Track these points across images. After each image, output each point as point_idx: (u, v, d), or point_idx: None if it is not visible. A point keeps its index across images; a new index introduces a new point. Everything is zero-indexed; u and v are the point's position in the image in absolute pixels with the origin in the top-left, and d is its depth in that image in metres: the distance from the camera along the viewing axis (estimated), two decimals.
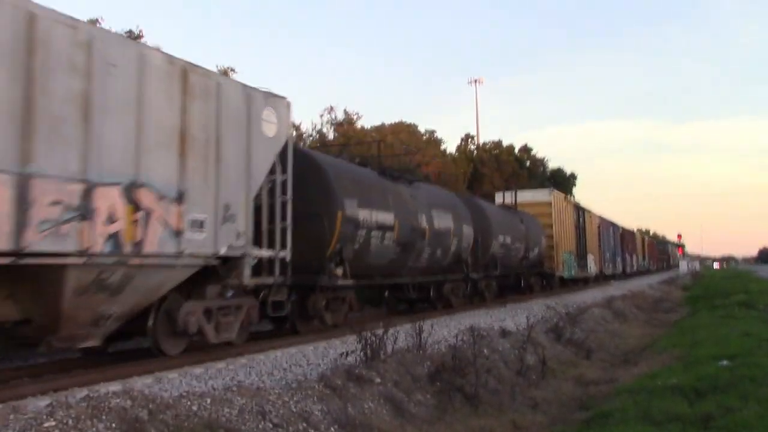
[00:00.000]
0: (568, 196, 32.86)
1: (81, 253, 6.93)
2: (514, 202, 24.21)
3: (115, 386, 6.12)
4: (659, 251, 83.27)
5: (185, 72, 8.40)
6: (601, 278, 36.29)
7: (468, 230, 17.43)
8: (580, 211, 31.32)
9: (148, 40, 22.77)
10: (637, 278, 45.53)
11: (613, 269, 40.23)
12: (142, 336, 8.77)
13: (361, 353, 7.62)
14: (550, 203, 25.98)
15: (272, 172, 10.04)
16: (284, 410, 5.86)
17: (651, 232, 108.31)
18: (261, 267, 9.83)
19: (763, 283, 33.78)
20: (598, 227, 35.56)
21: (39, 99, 6.58)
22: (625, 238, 46.65)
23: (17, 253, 6.37)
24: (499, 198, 26.21)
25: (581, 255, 30.05)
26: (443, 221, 15.80)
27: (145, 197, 7.65)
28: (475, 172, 42.67)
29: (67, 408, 4.73)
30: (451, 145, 49.72)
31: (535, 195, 26.90)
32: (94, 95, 7.12)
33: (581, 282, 31.29)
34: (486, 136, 75.74)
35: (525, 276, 23.21)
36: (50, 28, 6.74)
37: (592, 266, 32.52)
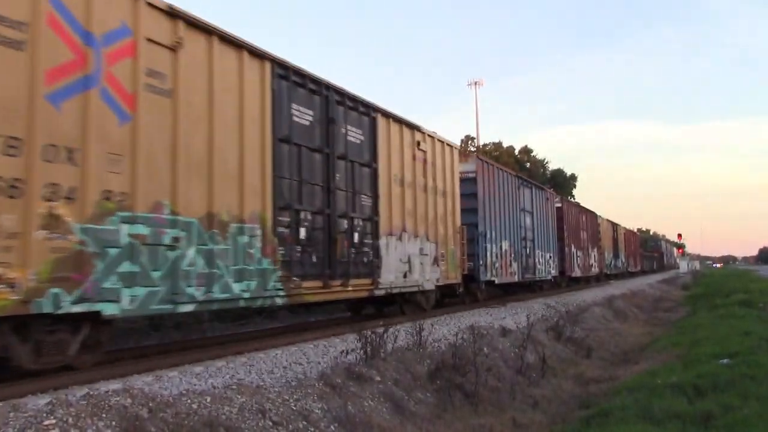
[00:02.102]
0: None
1: None
2: None
3: (115, 384, 6.11)
4: (649, 248, 68.83)
5: None
6: (482, 296, 17.82)
7: None
8: (365, 112, 12.04)
9: None
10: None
11: (523, 271, 20.85)
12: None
13: (361, 351, 7.62)
14: None
15: None
16: (284, 408, 5.86)
17: (651, 232, 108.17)
18: None
19: (763, 282, 33.74)
20: (487, 185, 17.81)
21: None
22: (568, 218, 28.48)
23: None
24: None
25: (365, 238, 11.66)
26: None
27: None
28: None
29: (67, 406, 4.73)
30: None
31: None
32: None
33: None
34: (486, 138, 75.55)
35: None
36: None
37: (425, 268, 13.89)
